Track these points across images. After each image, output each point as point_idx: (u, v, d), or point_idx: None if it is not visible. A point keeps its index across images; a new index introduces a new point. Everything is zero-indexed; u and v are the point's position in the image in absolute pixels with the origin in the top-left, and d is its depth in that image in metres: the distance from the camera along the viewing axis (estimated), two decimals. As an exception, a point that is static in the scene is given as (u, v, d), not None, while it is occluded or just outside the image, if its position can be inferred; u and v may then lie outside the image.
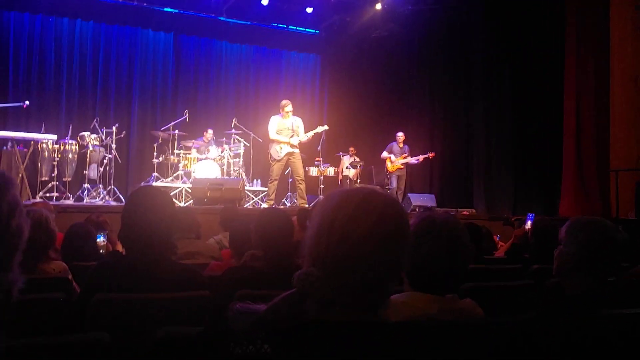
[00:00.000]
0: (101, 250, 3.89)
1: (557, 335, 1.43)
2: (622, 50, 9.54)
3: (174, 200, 2.80)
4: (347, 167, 11.46)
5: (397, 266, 1.15)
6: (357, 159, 11.59)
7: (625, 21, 9.51)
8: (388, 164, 10.96)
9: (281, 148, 8.69)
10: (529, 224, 5.10)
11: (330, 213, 1.14)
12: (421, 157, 11.01)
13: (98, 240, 3.91)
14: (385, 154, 11.01)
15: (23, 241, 1.00)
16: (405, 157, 10.92)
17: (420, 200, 10.13)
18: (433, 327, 1.26)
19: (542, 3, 10.45)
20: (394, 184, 10.88)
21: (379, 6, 11.91)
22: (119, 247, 3.74)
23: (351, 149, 11.82)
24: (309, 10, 12.50)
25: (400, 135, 11.05)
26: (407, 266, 1.17)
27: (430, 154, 11.05)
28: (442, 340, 1.17)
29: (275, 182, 8.81)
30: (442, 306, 1.63)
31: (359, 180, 11.30)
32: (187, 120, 10.46)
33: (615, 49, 9.69)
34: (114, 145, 9.38)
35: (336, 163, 11.67)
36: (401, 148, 11.01)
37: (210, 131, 10.59)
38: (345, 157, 11.72)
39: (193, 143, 10.31)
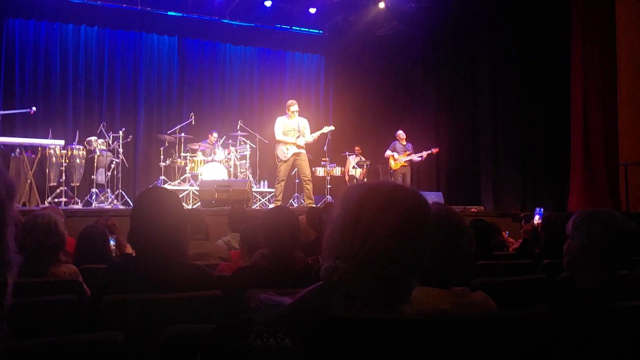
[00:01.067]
0: (113, 255, 3.90)
1: (569, 328, 1.42)
2: (628, 44, 9.50)
3: (181, 201, 2.80)
4: (353, 167, 11.45)
5: (421, 261, 1.14)
6: (363, 159, 11.56)
7: (631, 14, 9.47)
8: (391, 162, 10.91)
9: (288, 149, 8.69)
10: (537, 219, 5.08)
11: (356, 205, 1.13)
12: (425, 154, 10.89)
13: (109, 244, 3.93)
14: (388, 153, 10.97)
15: (9, 215, 0.99)
16: (408, 155, 10.85)
17: (428, 198, 10.06)
18: (452, 322, 1.25)
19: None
20: (399, 182, 10.79)
21: (382, 5, 11.90)
22: (128, 250, 3.75)
23: (357, 148, 11.81)
24: (312, 10, 12.50)
25: (401, 133, 11.01)
26: (428, 262, 1.16)
27: (434, 150, 10.97)
28: (461, 334, 1.16)
29: (282, 183, 8.81)
30: (454, 300, 1.62)
31: (365, 180, 11.28)
32: (193, 123, 10.49)
33: (621, 43, 9.65)
34: (120, 150, 9.42)
35: (342, 163, 11.66)
36: (404, 145, 10.94)
37: (215, 134, 10.62)
38: (351, 156, 11.70)
39: (199, 146, 10.34)
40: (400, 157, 10.84)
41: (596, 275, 2.00)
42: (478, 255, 4.00)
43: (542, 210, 5.17)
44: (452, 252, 1.66)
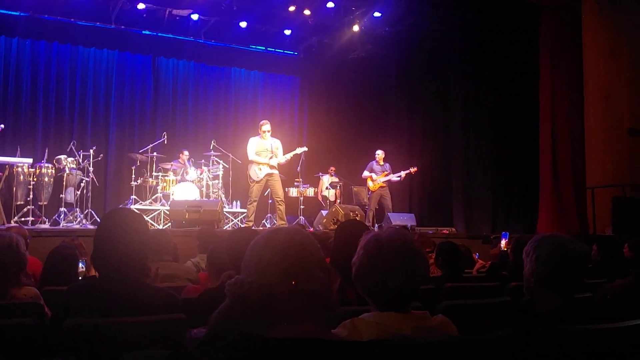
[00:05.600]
0: (80, 277, 3.82)
1: (527, 352, 1.44)
2: (595, 70, 9.76)
3: (149, 222, 2.78)
4: (326, 188, 11.43)
5: (317, 294, 1.21)
6: (337, 179, 11.55)
7: (597, 41, 9.74)
8: (369, 183, 10.75)
9: (260, 169, 8.68)
10: (503, 243, 5.16)
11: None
12: (403, 174, 10.71)
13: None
14: (366, 173, 10.75)
15: None
16: (386, 175, 10.73)
17: (400, 219, 10.13)
18: (405, 346, 1.25)
19: (517, 24, 10.66)
20: (373, 203, 10.71)
21: (356, 28, 12.04)
22: (93, 272, 3.68)
23: (332, 168, 11.76)
24: (288, 32, 12.58)
25: (380, 153, 10.79)
26: (324, 290, 1.23)
27: (412, 169, 10.78)
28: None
29: (255, 204, 8.78)
30: (414, 325, 1.63)
31: (338, 201, 11.28)
32: (166, 142, 10.39)
33: (588, 69, 9.90)
34: (91, 168, 9.29)
35: (316, 184, 11.63)
36: (382, 166, 10.75)
37: (186, 152, 10.52)
38: (324, 177, 11.65)
39: (171, 165, 10.25)
40: (378, 177, 10.70)
41: (553, 299, 2.03)
42: (446, 278, 4.03)
43: (507, 234, 5.24)
44: (407, 275, 1.68)
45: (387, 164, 10.82)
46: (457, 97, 11.93)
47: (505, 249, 5.00)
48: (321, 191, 11.46)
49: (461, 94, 11.83)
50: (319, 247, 1.31)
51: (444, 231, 10.36)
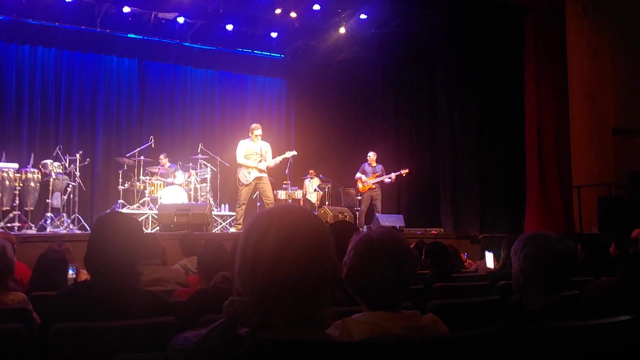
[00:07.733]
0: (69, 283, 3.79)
1: (514, 350, 1.45)
2: (579, 70, 9.86)
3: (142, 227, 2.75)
4: (315, 190, 11.41)
5: (323, 277, 1.13)
6: (323, 179, 11.53)
7: (581, 42, 9.85)
8: (359, 184, 10.78)
9: (249, 173, 8.68)
10: (490, 261, 5.18)
11: (244, 240, 1.16)
12: (394, 175, 10.73)
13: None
14: (357, 175, 10.82)
15: None
16: (377, 176, 10.71)
17: (389, 220, 10.16)
18: (397, 344, 1.26)
19: (502, 25, 10.74)
20: (365, 205, 10.75)
21: (342, 30, 12.05)
22: (83, 277, 3.66)
23: (311, 171, 11.70)
24: (274, 35, 12.58)
25: (372, 155, 10.84)
26: (339, 274, 1.16)
27: (404, 171, 10.77)
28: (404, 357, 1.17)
29: (244, 207, 8.77)
30: (404, 324, 1.64)
31: (327, 203, 11.27)
32: (153, 146, 10.35)
33: (572, 69, 10.00)
34: (77, 173, 9.23)
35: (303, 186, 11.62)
36: (373, 167, 10.79)
37: (161, 157, 10.44)
38: (306, 180, 11.63)
39: (159, 169, 10.21)
40: (368, 179, 10.69)
41: (541, 297, 2.05)
42: (435, 278, 4.05)
43: (492, 253, 5.26)
44: (397, 274, 1.69)
45: (380, 166, 10.87)
46: (443, 99, 11.97)
47: (493, 269, 4.99)
48: (305, 194, 11.42)
49: (447, 95, 11.86)
50: (324, 233, 1.17)
51: (432, 232, 10.41)
